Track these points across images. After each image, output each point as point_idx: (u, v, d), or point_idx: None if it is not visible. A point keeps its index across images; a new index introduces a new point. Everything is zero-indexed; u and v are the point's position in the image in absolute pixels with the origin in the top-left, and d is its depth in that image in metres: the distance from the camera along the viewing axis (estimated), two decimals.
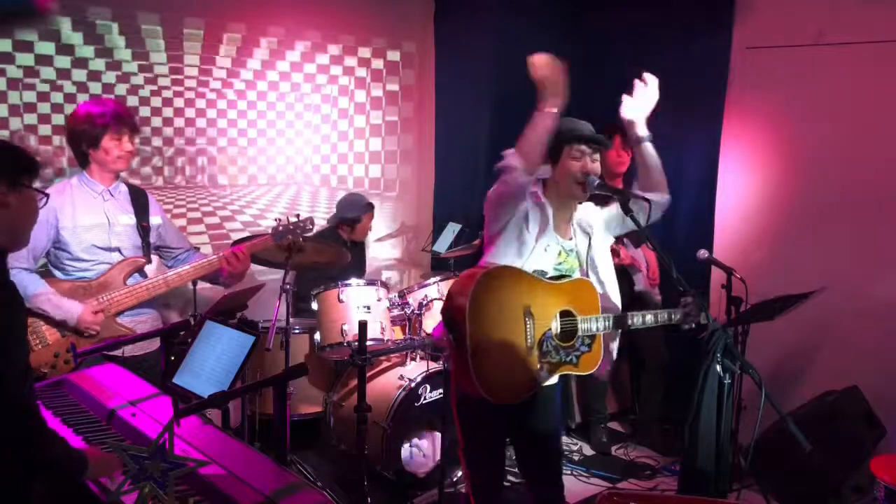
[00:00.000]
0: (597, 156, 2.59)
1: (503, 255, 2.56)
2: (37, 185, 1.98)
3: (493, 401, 2.42)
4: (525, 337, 2.46)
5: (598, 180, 2.56)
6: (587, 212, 2.73)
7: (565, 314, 2.57)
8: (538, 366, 2.50)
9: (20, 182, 1.90)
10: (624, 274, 4.09)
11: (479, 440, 2.65)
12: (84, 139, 2.89)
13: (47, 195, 2.02)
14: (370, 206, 4.35)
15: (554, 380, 2.63)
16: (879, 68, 3.77)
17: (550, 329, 2.53)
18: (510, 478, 3.85)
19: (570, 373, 2.62)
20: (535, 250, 2.55)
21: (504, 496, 3.70)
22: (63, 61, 3.73)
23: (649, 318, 2.69)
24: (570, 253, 2.66)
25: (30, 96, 3.66)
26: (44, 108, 3.70)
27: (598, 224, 2.73)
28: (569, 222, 2.68)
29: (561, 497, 2.82)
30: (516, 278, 2.49)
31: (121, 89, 3.91)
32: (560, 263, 2.63)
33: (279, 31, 4.45)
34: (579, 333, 2.57)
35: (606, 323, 2.62)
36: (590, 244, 2.71)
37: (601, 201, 2.74)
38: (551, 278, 2.60)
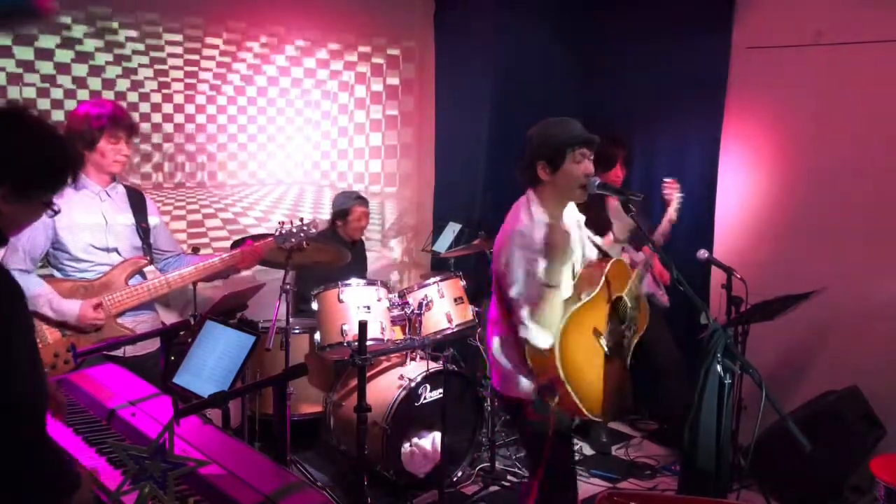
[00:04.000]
0: (591, 155, 2.58)
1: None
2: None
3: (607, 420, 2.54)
4: (603, 353, 2.53)
5: (598, 180, 2.54)
6: (573, 207, 2.71)
7: (615, 302, 2.61)
8: (623, 360, 2.59)
9: (29, 195, 1.69)
10: None
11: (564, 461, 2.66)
12: (80, 140, 2.86)
13: (56, 211, 1.81)
14: (361, 199, 4.27)
15: None
16: (879, 68, 3.77)
17: (609, 324, 2.60)
18: (510, 478, 3.87)
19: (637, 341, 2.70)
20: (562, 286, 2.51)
21: (506, 496, 3.73)
22: (63, 55, 3.72)
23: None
24: (571, 252, 2.65)
25: (29, 92, 3.66)
26: (43, 103, 3.69)
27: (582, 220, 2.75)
28: (559, 220, 2.65)
29: None
30: (577, 324, 2.48)
31: (121, 85, 3.90)
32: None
33: (279, 30, 4.45)
34: (629, 305, 2.63)
35: (639, 272, 2.70)
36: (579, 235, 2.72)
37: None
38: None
